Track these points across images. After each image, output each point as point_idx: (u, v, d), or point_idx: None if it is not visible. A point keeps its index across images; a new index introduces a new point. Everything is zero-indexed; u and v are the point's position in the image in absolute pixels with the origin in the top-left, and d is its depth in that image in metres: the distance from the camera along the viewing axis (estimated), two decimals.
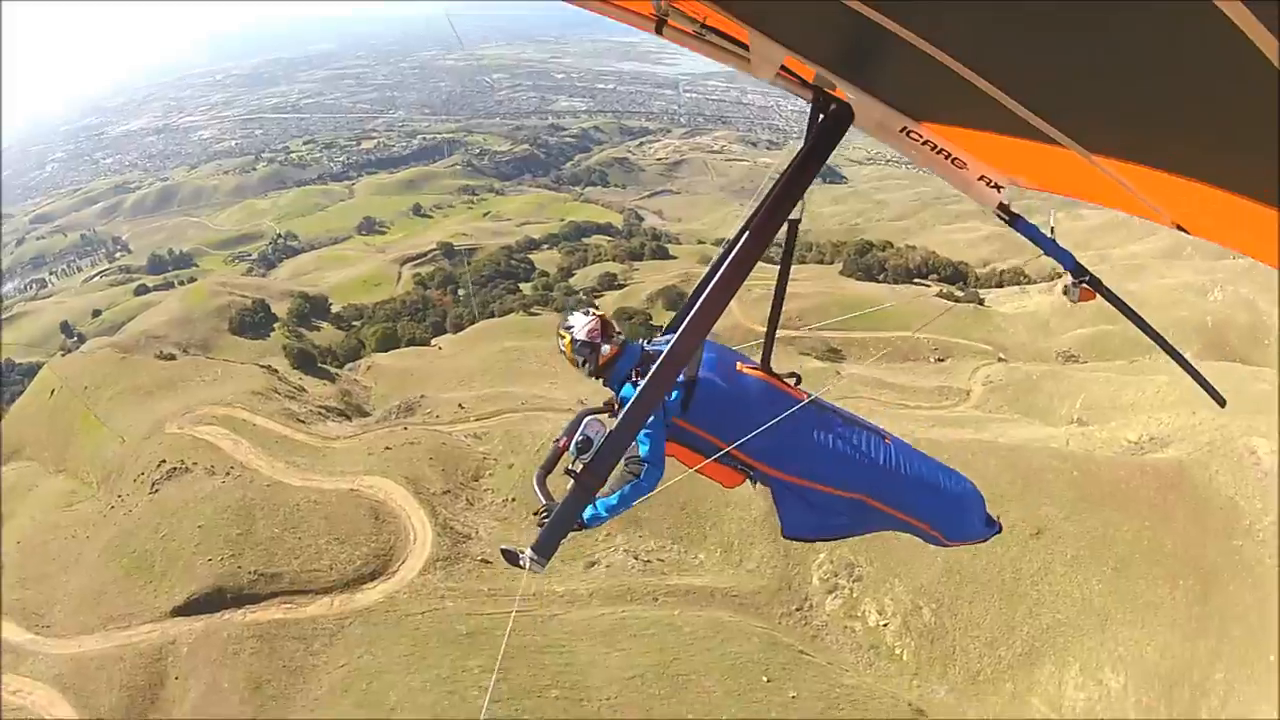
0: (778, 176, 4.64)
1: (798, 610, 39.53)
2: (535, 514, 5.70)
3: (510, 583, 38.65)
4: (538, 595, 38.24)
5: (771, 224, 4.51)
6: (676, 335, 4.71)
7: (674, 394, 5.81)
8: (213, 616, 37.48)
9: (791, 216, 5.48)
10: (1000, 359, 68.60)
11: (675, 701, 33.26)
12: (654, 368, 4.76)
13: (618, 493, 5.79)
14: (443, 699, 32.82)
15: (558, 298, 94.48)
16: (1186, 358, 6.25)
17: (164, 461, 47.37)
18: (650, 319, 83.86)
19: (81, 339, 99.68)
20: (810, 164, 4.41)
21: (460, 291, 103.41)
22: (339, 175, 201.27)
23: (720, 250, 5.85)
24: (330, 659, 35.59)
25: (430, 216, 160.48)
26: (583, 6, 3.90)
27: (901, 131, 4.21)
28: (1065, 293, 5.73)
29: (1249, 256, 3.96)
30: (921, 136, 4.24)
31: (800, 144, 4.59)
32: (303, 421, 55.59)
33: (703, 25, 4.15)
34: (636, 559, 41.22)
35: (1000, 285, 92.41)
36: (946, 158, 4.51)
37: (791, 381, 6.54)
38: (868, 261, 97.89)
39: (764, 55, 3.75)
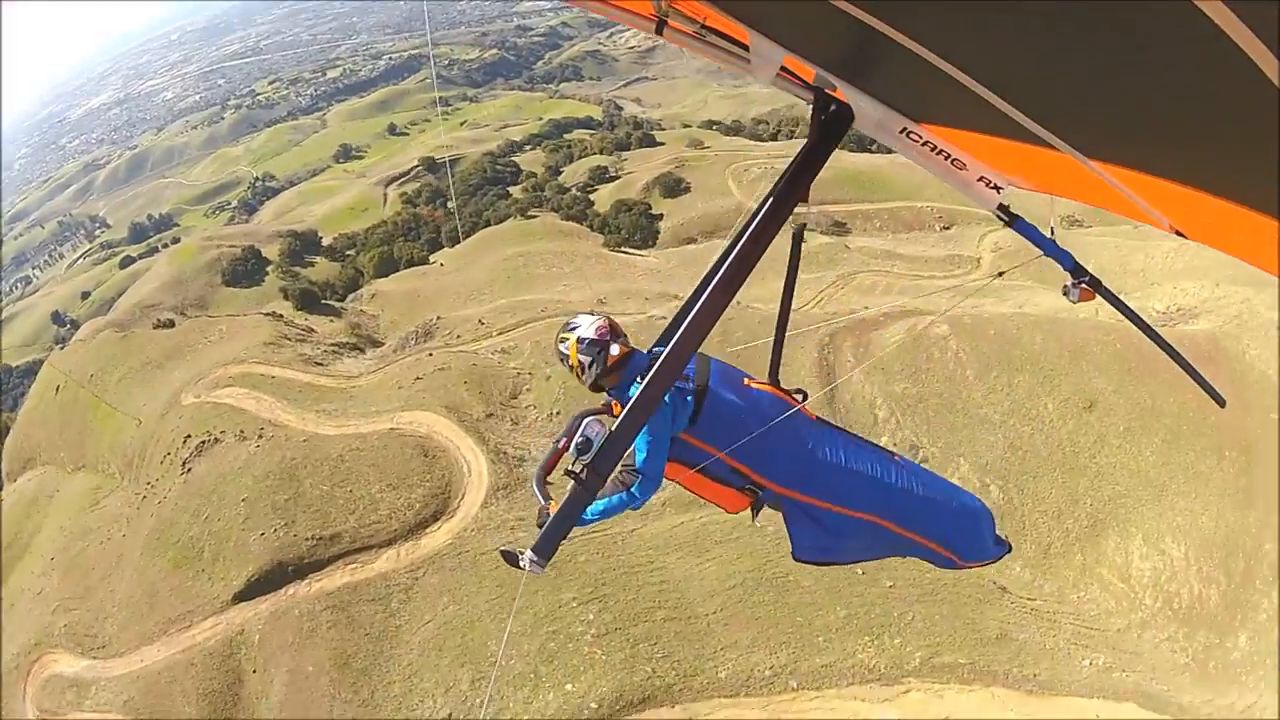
0: (779, 178, 4.57)
1: None
2: (537, 521, 5.47)
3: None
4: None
5: (772, 224, 4.40)
6: (678, 334, 4.58)
7: (685, 406, 5.66)
8: (278, 595, 34.54)
9: (798, 221, 5.61)
10: (1006, 224, 65.75)
11: (781, 605, 31.62)
12: (655, 366, 4.71)
13: (606, 499, 5.58)
14: (549, 641, 30.69)
15: (551, 197, 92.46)
16: (1186, 358, 6.06)
17: (189, 436, 43.83)
18: (650, 208, 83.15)
19: (75, 325, 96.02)
20: (811, 164, 4.40)
21: (450, 205, 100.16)
22: (309, 108, 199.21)
23: (719, 253, 5.42)
24: (413, 617, 33.02)
25: (406, 134, 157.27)
26: (583, 6, 4.02)
27: (901, 132, 4.18)
28: (1065, 293, 5.63)
29: (1249, 264, 3.68)
30: (921, 137, 4.23)
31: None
32: (320, 364, 52.70)
33: (703, 26, 4.10)
34: None
35: None
36: (946, 158, 4.46)
37: (799, 398, 6.28)
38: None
39: (763, 56, 3.67)
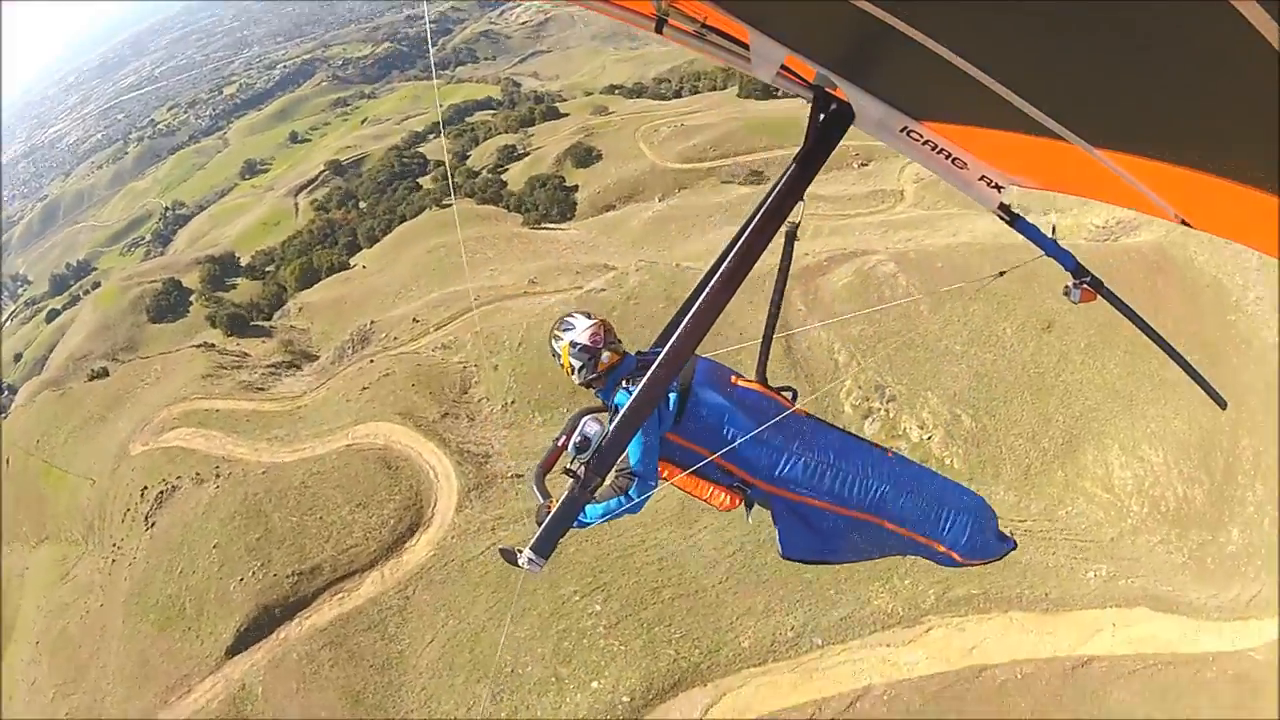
0: (776, 179, 4.46)
1: None
2: (536, 519, 5.37)
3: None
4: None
5: (771, 225, 4.39)
6: (675, 336, 4.55)
7: (670, 407, 5.59)
8: (271, 641, 32.95)
9: (792, 220, 4.90)
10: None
11: (785, 565, 30.10)
12: (653, 367, 4.60)
13: (604, 503, 5.47)
14: (562, 640, 29.92)
15: (462, 182, 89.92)
16: (1188, 360, 6.23)
17: (146, 488, 41.68)
18: (564, 180, 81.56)
19: (12, 391, 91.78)
20: (810, 165, 4.31)
21: (362, 204, 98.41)
22: (209, 129, 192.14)
23: (718, 255, 5.11)
24: (415, 639, 31.80)
25: (309, 140, 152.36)
26: (583, 6, 3.88)
27: (902, 131, 4.12)
28: (1066, 293, 5.84)
29: (1253, 249, 3.77)
30: (922, 136, 4.15)
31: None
32: (261, 389, 50.92)
33: (703, 25, 3.88)
34: None
35: None
36: (947, 157, 4.39)
37: (788, 396, 6.14)
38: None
39: (764, 55, 3.59)
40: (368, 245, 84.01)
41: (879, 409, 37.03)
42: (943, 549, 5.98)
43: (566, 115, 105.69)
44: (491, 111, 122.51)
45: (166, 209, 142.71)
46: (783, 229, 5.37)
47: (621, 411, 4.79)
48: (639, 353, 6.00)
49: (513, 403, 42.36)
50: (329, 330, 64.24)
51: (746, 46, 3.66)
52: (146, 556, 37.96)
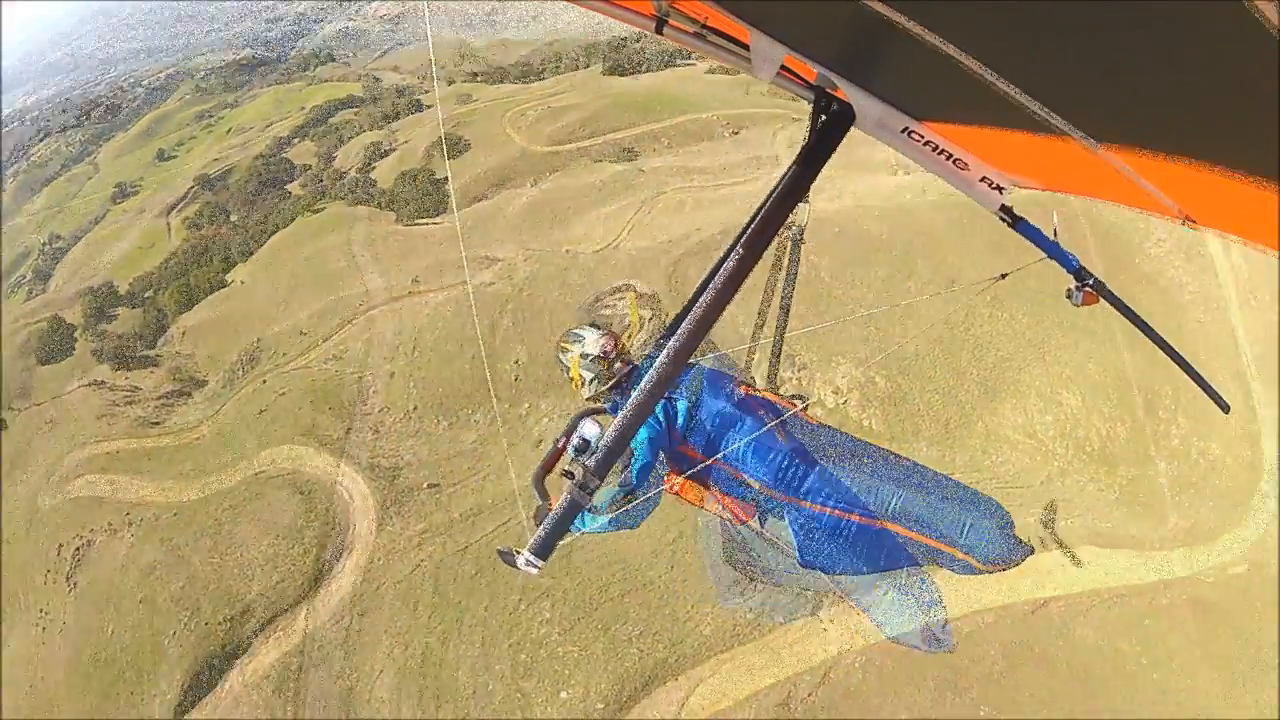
0: (778, 179, 4.38)
1: None
2: (533, 515, 5.42)
3: (479, 498, 34.72)
4: (516, 499, 33.87)
5: (770, 227, 4.35)
6: (674, 339, 4.29)
7: (679, 418, 5.60)
8: (218, 693, 31.59)
9: (797, 223, 5.37)
10: (794, 119, 64.31)
11: None
12: (654, 367, 4.32)
13: (601, 518, 5.53)
14: (518, 654, 28.93)
15: (330, 185, 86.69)
16: (1191, 365, 5.96)
17: (61, 546, 39.62)
18: (434, 173, 78.87)
19: None
20: (810, 166, 4.21)
21: (233, 217, 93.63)
22: (79, 156, 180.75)
23: (718, 258, 4.84)
24: (364, 670, 30.65)
25: (175, 156, 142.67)
26: (583, 6, 3.76)
27: (903, 132, 3.99)
28: (1068, 296, 5.48)
29: (1255, 246, 3.37)
30: (923, 137, 4.04)
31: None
32: (156, 423, 48.55)
33: (703, 25, 3.82)
34: None
35: None
36: (948, 158, 4.24)
37: (797, 404, 6.03)
38: (626, 55, 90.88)
39: (764, 55, 3.60)
40: (243, 260, 79.81)
41: (791, 378, 36.65)
42: (961, 555, 5.94)
43: (430, 107, 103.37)
44: (354, 110, 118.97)
45: (44, 244, 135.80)
46: (789, 237, 5.78)
47: (622, 412, 4.56)
48: (648, 356, 5.84)
49: (415, 409, 41.17)
50: (216, 353, 60.73)
51: (747, 47, 3.70)
52: (75, 621, 36.32)
